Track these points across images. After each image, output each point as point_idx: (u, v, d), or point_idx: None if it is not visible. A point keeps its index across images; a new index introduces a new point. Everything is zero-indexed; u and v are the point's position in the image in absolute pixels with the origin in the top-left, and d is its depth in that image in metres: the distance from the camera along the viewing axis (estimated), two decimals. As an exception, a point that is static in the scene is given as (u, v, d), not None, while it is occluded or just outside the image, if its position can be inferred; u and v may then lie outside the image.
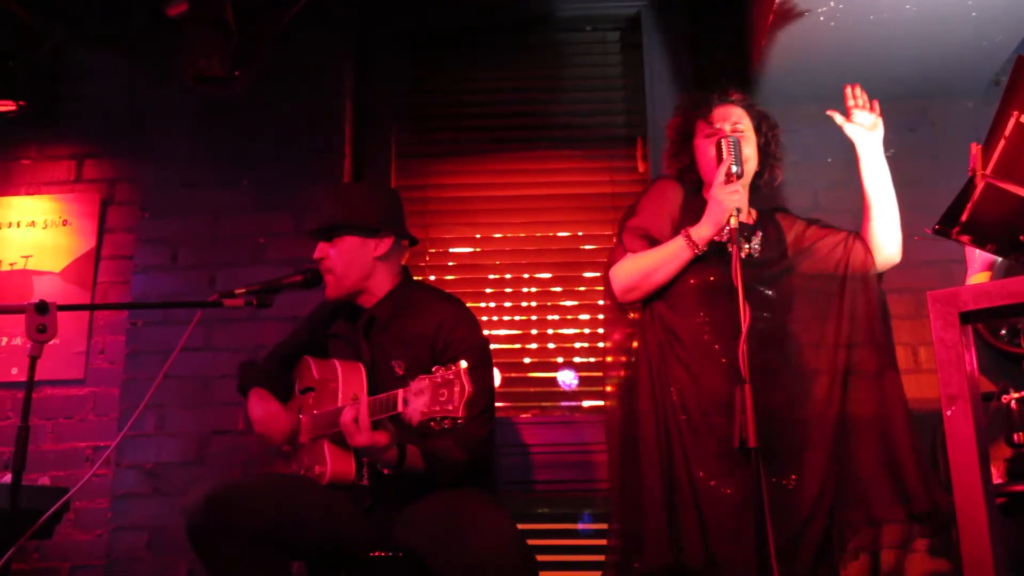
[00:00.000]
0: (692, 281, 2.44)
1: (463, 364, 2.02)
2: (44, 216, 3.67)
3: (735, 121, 2.56)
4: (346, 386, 2.45)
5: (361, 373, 2.49)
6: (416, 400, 2.03)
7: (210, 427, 3.30)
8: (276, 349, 2.80)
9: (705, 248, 2.40)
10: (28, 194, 3.72)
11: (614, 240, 2.66)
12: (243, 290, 2.38)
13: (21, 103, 3.62)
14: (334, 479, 2.40)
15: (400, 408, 2.09)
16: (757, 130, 2.60)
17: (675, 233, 2.45)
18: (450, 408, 1.98)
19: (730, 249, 2.23)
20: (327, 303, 2.69)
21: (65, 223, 3.66)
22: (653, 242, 2.48)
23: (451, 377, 2.00)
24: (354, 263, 2.54)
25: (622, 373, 2.55)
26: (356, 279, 2.56)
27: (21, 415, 2.02)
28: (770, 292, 2.44)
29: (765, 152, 2.61)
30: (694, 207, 2.52)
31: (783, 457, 2.28)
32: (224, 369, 3.34)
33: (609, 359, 2.63)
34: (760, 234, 2.54)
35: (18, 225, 3.67)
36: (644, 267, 2.46)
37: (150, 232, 3.55)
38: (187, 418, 3.33)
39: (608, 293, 2.58)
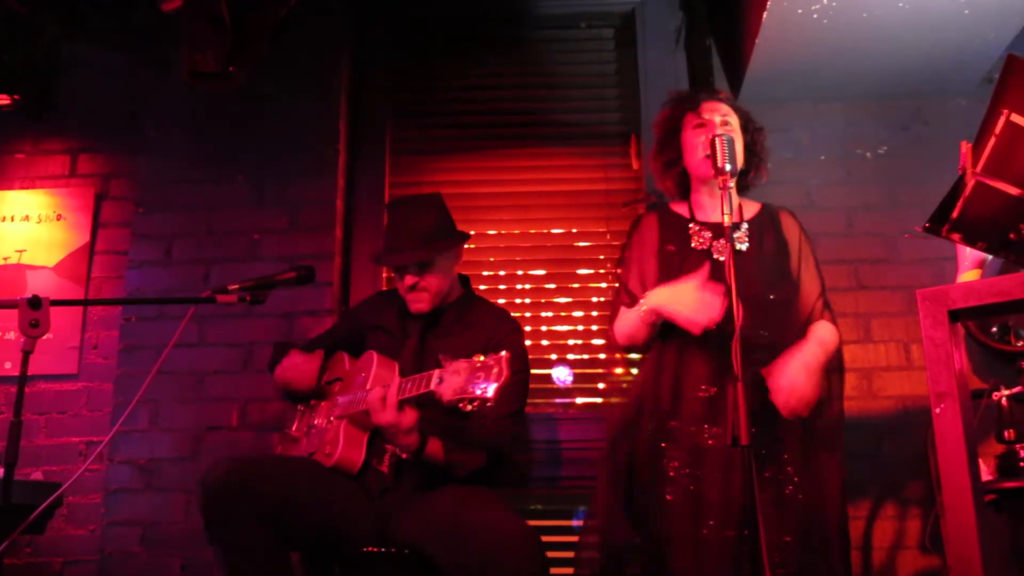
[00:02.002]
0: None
1: (504, 353, 2.04)
2: (38, 210, 3.66)
3: (724, 114, 2.57)
4: (377, 375, 2.49)
5: (395, 369, 2.53)
6: (452, 378, 2.07)
7: (204, 423, 3.30)
8: (315, 339, 2.87)
9: (656, 320, 2.39)
10: (22, 188, 3.71)
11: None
12: (237, 286, 2.39)
13: (16, 97, 3.62)
14: (340, 463, 2.42)
15: (434, 386, 2.13)
16: (744, 129, 2.61)
17: (660, 260, 2.50)
18: (484, 389, 2.00)
19: (718, 256, 2.23)
20: (378, 299, 2.83)
21: (59, 218, 3.65)
22: (634, 300, 2.49)
23: (491, 363, 2.03)
24: (447, 278, 2.67)
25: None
26: (448, 290, 2.68)
27: (14, 410, 2.03)
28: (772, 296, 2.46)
29: (751, 151, 2.62)
30: (671, 223, 2.58)
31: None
32: (218, 365, 3.35)
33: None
34: (745, 226, 2.55)
35: (12, 219, 3.66)
36: (625, 330, 2.50)
37: (144, 227, 3.54)
38: (180, 414, 3.32)
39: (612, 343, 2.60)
